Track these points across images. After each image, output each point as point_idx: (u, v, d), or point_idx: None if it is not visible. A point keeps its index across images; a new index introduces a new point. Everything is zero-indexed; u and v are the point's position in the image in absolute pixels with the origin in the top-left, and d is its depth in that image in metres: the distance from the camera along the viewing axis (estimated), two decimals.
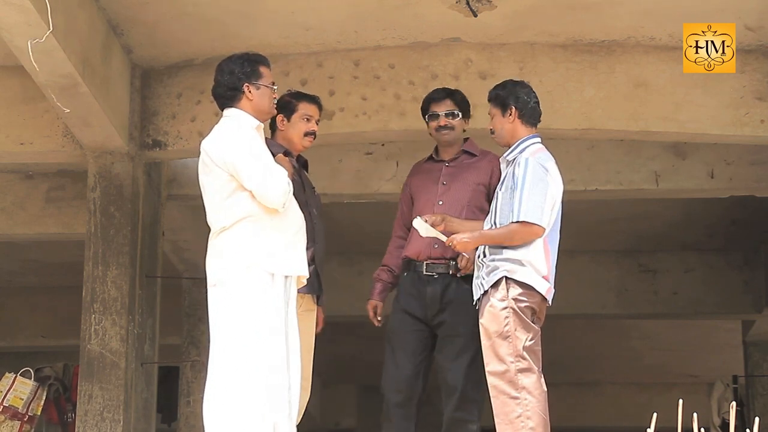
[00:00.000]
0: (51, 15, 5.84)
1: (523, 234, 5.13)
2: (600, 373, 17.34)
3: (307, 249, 5.36)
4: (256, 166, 4.95)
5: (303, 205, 5.40)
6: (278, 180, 4.96)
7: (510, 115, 5.35)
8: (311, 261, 5.51)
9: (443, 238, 5.37)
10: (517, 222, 5.12)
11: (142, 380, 7.50)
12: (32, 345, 13.50)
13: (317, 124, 5.90)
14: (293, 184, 5.25)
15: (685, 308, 11.87)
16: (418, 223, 5.41)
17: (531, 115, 5.39)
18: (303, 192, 5.66)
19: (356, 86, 7.30)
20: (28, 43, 5.85)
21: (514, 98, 5.36)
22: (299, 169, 5.82)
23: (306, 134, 5.82)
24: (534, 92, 5.47)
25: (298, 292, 5.26)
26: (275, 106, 5.37)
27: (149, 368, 7.63)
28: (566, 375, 16.61)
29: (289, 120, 5.84)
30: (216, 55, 7.28)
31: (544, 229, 5.14)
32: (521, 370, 5.07)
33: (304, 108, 5.85)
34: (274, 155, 5.56)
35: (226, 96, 5.16)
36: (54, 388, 9.54)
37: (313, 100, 5.92)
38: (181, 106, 7.49)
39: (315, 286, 5.64)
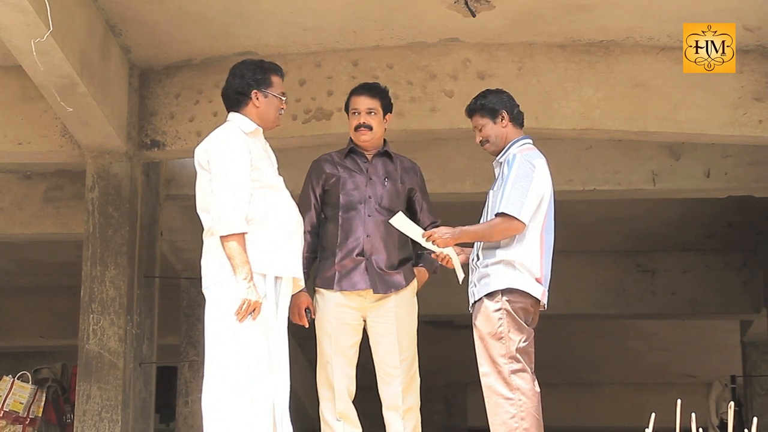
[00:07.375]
0: (49, 15, 5.84)
1: (502, 228, 5.11)
2: (598, 373, 17.33)
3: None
4: (225, 186, 4.90)
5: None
6: (233, 212, 4.89)
7: (502, 120, 5.35)
8: (360, 253, 5.44)
9: (418, 233, 5.22)
10: (498, 215, 5.12)
11: (141, 380, 7.50)
12: (30, 345, 13.50)
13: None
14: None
15: (684, 308, 11.87)
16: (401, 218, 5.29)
17: (518, 117, 5.41)
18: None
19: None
20: (32, 43, 5.85)
21: (502, 103, 5.38)
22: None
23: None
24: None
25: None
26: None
27: (147, 368, 7.63)
28: (564, 375, 16.61)
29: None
30: (215, 55, 7.31)
31: (524, 224, 5.11)
32: (514, 371, 5.06)
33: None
34: None
35: (233, 100, 5.13)
36: (52, 390, 9.51)
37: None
38: (180, 106, 7.49)
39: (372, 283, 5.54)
